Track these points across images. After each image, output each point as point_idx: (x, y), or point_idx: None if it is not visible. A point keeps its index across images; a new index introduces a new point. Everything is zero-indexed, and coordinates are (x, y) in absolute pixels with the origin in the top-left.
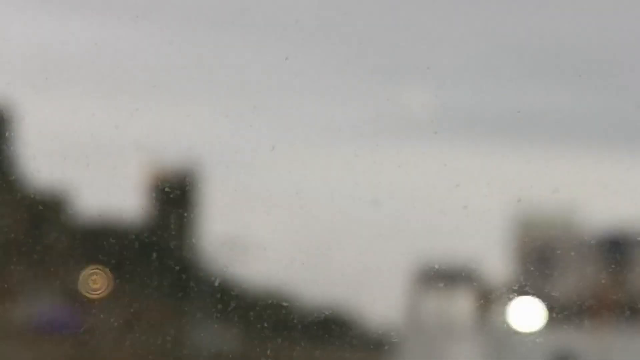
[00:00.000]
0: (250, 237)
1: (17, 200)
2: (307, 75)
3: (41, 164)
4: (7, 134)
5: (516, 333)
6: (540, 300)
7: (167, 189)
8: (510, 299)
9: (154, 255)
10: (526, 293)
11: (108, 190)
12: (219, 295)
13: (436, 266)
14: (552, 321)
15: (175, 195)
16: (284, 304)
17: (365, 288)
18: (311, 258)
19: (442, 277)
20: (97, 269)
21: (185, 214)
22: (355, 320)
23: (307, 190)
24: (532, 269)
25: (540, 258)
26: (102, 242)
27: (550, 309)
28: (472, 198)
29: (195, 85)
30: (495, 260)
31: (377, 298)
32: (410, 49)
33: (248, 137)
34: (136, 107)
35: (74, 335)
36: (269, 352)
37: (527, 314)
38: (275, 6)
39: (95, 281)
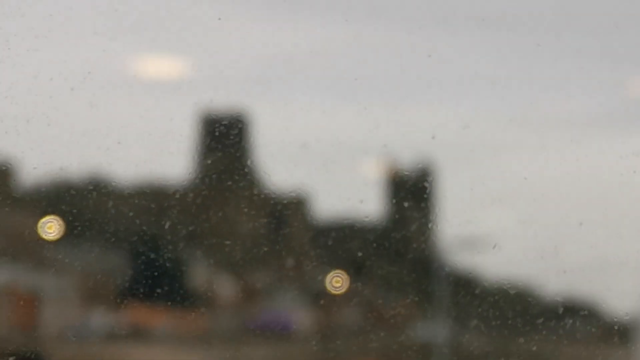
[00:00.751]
0: (485, 232)
1: (258, 203)
2: (540, 65)
3: (279, 167)
4: (245, 140)
5: None
6: None
7: (404, 188)
8: None
9: (393, 252)
10: None
11: (345, 191)
12: (454, 290)
13: None
14: None
15: (411, 194)
16: (522, 296)
17: (602, 279)
18: (546, 250)
19: None
20: (338, 268)
21: (422, 212)
22: (592, 311)
23: (540, 183)
24: None
25: None
26: (341, 241)
27: None
28: None
29: (426, 86)
30: None
31: (615, 289)
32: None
33: (477, 133)
34: (369, 108)
35: (302, 334)
36: (506, 344)
37: None
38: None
39: (337, 280)
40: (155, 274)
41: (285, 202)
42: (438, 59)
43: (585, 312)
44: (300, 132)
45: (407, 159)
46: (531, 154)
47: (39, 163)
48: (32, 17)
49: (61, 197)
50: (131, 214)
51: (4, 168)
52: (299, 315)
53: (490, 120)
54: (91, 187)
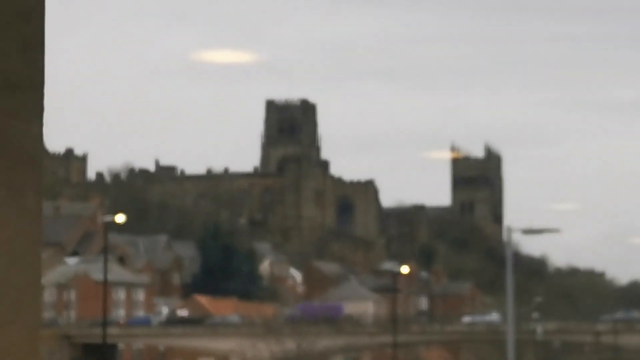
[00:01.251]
0: (551, 217)
1: (325, 190)
2: (605, 52)
3: (346, 154)
4: (312, 127)
5: None
6: None
7: (470, 175)
8: None
9: (460, 238)
10: None
11: (412, 178)
12: (521, 275)
13: None
14: None
15: (478, 181)
16: (589, 281)
17: None
18: (612, 238)
19: None
20: (405, 254)
21: (488, 198)
22: None
23: (606, 167)
24: None
25: None
26: (406, 225)
27: None
28: None
29: (491, 73)
30: None
31: None
32: None
33: (543, 119)
34: (435, 96)
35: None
36: (574, 328)
37: None
38: None
39: (405, 267)
40: (222, 262)
41: (352, 189)
42: (503, 47)
43: None
44: (366, 120)
45: (474, 146)
46: (597, 139)
47: (113, 149)
48: (116, 8)
49: (130, 184)
50: (200, 200)
51: (80, 153)
52: (365, 301)
53: (554, 106)
54: (162, 173)
